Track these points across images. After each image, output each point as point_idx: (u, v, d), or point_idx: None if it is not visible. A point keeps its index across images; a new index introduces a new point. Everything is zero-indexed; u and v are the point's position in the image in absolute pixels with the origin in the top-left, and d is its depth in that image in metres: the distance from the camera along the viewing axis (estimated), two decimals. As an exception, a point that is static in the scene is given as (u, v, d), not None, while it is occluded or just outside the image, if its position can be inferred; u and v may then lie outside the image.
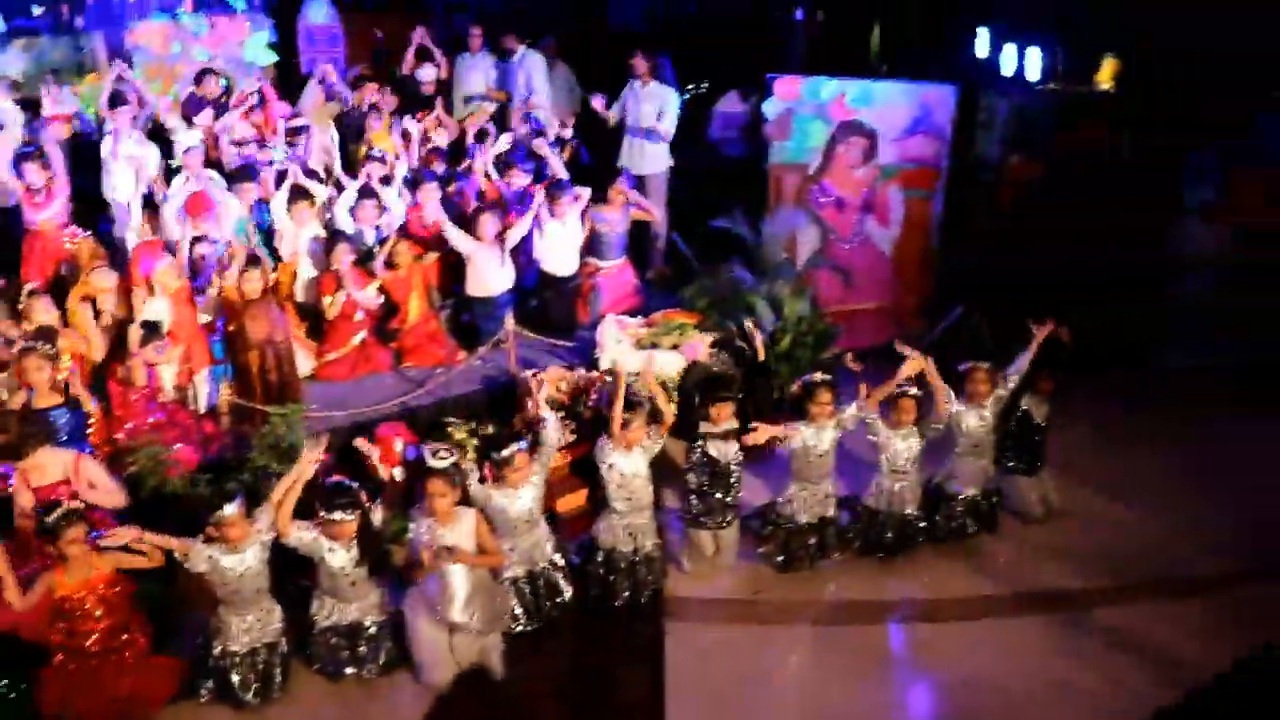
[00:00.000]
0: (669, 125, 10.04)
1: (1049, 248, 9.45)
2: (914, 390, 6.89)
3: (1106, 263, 9.35)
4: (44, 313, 7.01)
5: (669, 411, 6.51)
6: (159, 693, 5.69)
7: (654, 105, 10.00)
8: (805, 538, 6.99)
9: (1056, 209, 9.55)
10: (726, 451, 6.74)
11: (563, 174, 8.96)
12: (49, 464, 5.95)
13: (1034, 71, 8.99)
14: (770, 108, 9.43)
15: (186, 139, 8.86)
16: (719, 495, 6.81)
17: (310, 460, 5.66)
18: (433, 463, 5.83)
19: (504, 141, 9.45)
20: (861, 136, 9.44)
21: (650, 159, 10.17)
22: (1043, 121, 9.59)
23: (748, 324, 7.53)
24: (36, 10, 9.56)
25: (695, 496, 6.88)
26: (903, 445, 6.94)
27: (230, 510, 5.48)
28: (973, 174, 10.20)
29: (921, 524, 7.15)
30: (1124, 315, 9.23)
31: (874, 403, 6.85)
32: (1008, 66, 9.25)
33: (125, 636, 5.62)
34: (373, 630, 5.94)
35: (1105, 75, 9.30)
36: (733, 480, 6.81)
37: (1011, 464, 7.59)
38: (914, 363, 6.82)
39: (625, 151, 10.26)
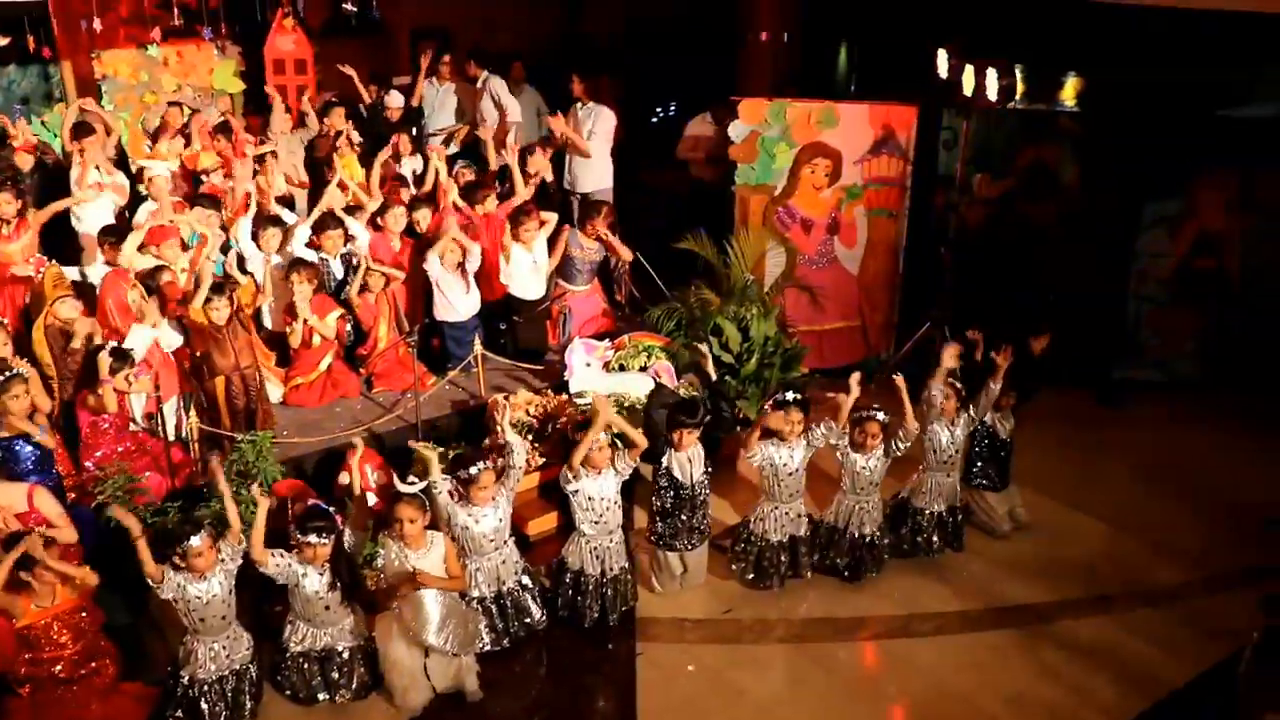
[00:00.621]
0: (599, 144, 10.21)
1: (1013, 264, 9.57)
2: (880, 414, 6.96)
3: (1070, 277, 9.48)
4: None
5: (639, 437, 6.55)
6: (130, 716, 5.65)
7: (589, 125, 10.18)
8: (776, 555, 7.03)
9: (1020, 226, 9.67)
10: (692, 474, 6.78)
11: (523, 197, 9.01)
12: (7, 498, 5.92)
13: (992, 91, 9.10)
14: (735, 130, 9.51)
15: (156, 168, 8.83)
16: (685, 518, 6.85)
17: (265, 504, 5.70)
18: (402, 488, 5.87)
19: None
20: (826, 157, 9.53)
21: (590, 177, 10.29)
22: (1005, 140, 9.71)
23: (699, 346, 7.56)
24: (2, 41, 9.51)
25: (661, 519, 6.92)
26: (865, 466, 6.98)
27: (197, 541, 5.46)
28: (937, 193, 10.31)
29: (885, 541, 7.20)
30: (1088, 329, 9.37)
31: (842, 422, 6.92)
32: (968, 86, 9.35)
33: (93, 664, 5.60)
34: (346, 655, 5.94)
35: (1068, 93, 9.43)
36: (699, 503, 6.85)
37: (978, 480, 7.66)
38: (855, 393, 6.90)
39: (567, 171, 10.43)
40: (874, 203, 9.77)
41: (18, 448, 6.22)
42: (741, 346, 8.31)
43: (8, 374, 6.34)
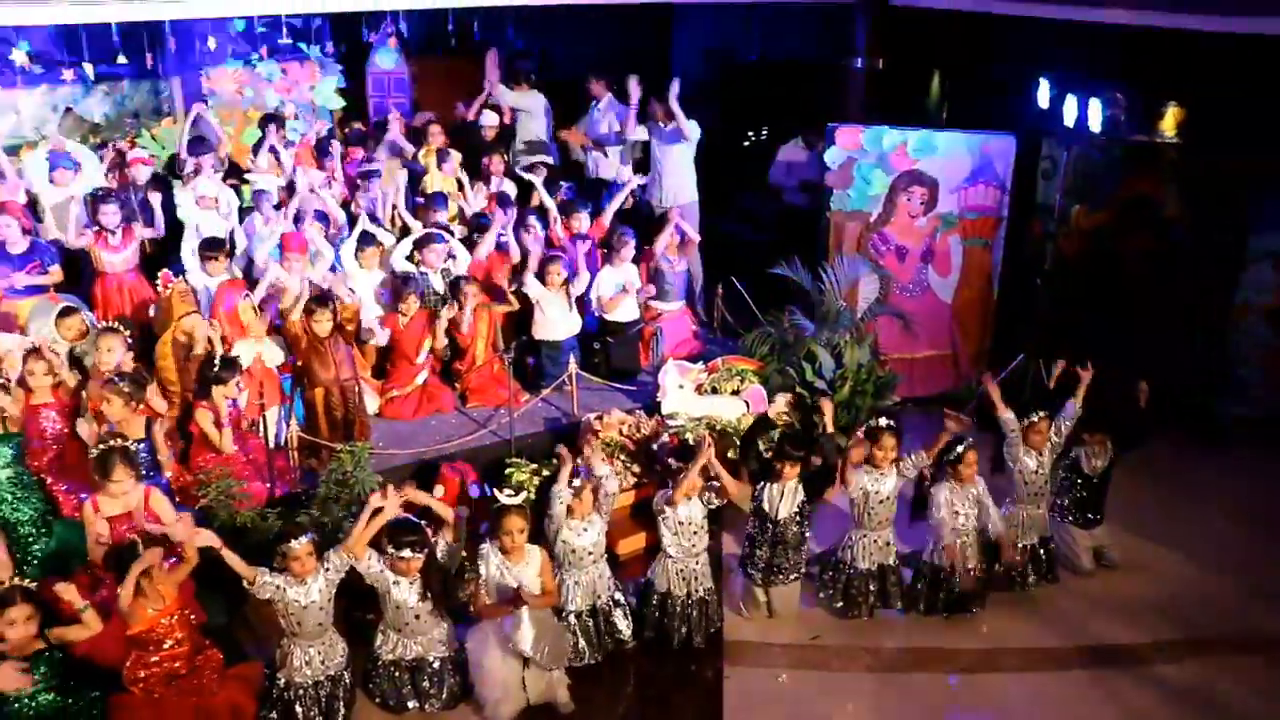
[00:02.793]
0: (684, 157, 10.29)
1: (1111, 297, 9.41)
2: (971, 445, 6.90)
3: (1169, 312, 9.30)
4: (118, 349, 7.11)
5: (731, 486, 6.60)
6: (249, 701, 5.82)
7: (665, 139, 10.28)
8: (865, 584, 7.00)
9: (1119, 259, 9.50)
10: (780, 510, 6.78)
11: (607, 219, 9.12)
12: (124, 494, 6.11)
13: (1095, 122, 8.98)
14: (832, 156, 9.52)
15: (262, 182, 9.06)
16: (767, 553, 6.87)
17: (392, 504, 5.79)
18: (506, 500, 5.96)
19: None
20: (922, 186, 9.49)
21: (674, 191, 10.33)
22: (1105, 171, 9.55)
23: (824, 402, 7.52)
24: (122, 59, 9.85)
25: (752, 550, 6.94)
26: (962, 502, 6.91)
27: (300, 543, 5.61)
28: (1034, 223, 10.19)
29: (981, 576, 7.12)
30: (1187, 365, 9.18)
31: (933, 454, 6.88)
32: (1069, 116, 9.25)
33: (200, 657, 5.79)
34: (437, 665, 6.04)
35: (1169, 124, 9.27)
36: (787, 542, 6.85)
37: (1064, 514, 7.56)
38: (954, 425, 6.91)
39: (652, 185, 10.50)
40: (970, 231, 9.69)
41: (136, 450, 6.37)
42: (835, 373, 8.28)
43: (108, 378, 6.63)
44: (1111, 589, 7.39)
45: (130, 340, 7.18)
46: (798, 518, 6.81)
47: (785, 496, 6.75)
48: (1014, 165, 9.55)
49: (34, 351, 6.89)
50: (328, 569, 5.70)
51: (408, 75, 12.58)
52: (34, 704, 5.51)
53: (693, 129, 9.95)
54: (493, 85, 11.17)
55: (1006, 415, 7.18)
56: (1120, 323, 9.10)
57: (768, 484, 6.79)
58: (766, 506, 6.78)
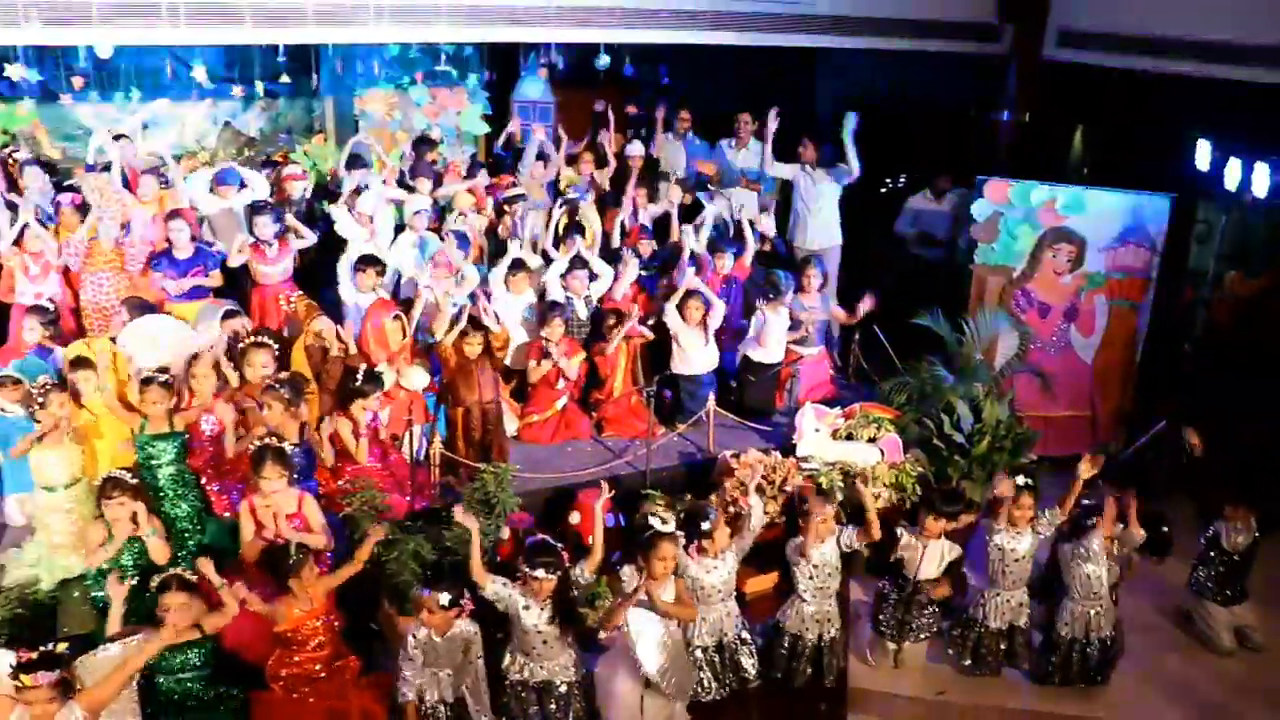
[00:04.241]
0: (829, 202, 10.36)
1: (1265, 366, 9.12)
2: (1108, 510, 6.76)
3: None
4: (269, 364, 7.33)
5: (877, 530, 6.55)
6: (381, 710, 5.93)
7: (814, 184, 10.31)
8: (995, 642, 6.90)
9: (1276, 326, 9.21)
10: (920, 568, 6.71)
11: (751, 244, 9.19)
12: (280, 498, 6.31)
13: (1261, 187, 8.73)
14: (979, 209, 9.45)
15: (416, 202, 9.31)
16: (899, 611, 6.81)
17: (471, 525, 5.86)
18: (662, 527, 6.01)
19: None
20: (1070, 243, 9.35)
21: (816, 235, 10.35)
22: (1265, 238, 9.28)
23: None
24: (285, 79, 10.27)
25: (880, 602, 6.88)
26: (1094, 569, 6.74)
27: (434, 596, 5.62)
28: (1185, 287, 9.94)
29: (1113, 645, 6.95)
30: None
31: (1066, 510, 6.76)
32: (1231, 180, 9.01)
33: (340, 662, 5.95)
34: (563, 689, 6.02)
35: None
36: (921, 603, 6.80)
37: (1203, 589, 7.34)
38: (1085, 473, 6.75)
39: (794, 228, 10.52)
40: (1116, 292, 9.50)
41: (290, 453, 6.56)
42: (973, 427, 8.18)
43: (267, 384, 6.88)
44: (1253, 672, 7.13)
45: (278, 352, 7.43)
46: (936, 570, 6.73)
47: (928, 558, 6.68)
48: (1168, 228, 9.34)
49: (198, 355, 7.17)
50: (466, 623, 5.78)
51: (553, 105, 12.82)
52: (180, 688, 5.72)
53: (853, 168, 10.01)
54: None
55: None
56: (1273, 392, 8.80)
57: (909, 538, 6.72)
58: (906, 564, 6.71)
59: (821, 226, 10.24)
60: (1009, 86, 11.95)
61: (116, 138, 9.67)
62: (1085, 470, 6.78)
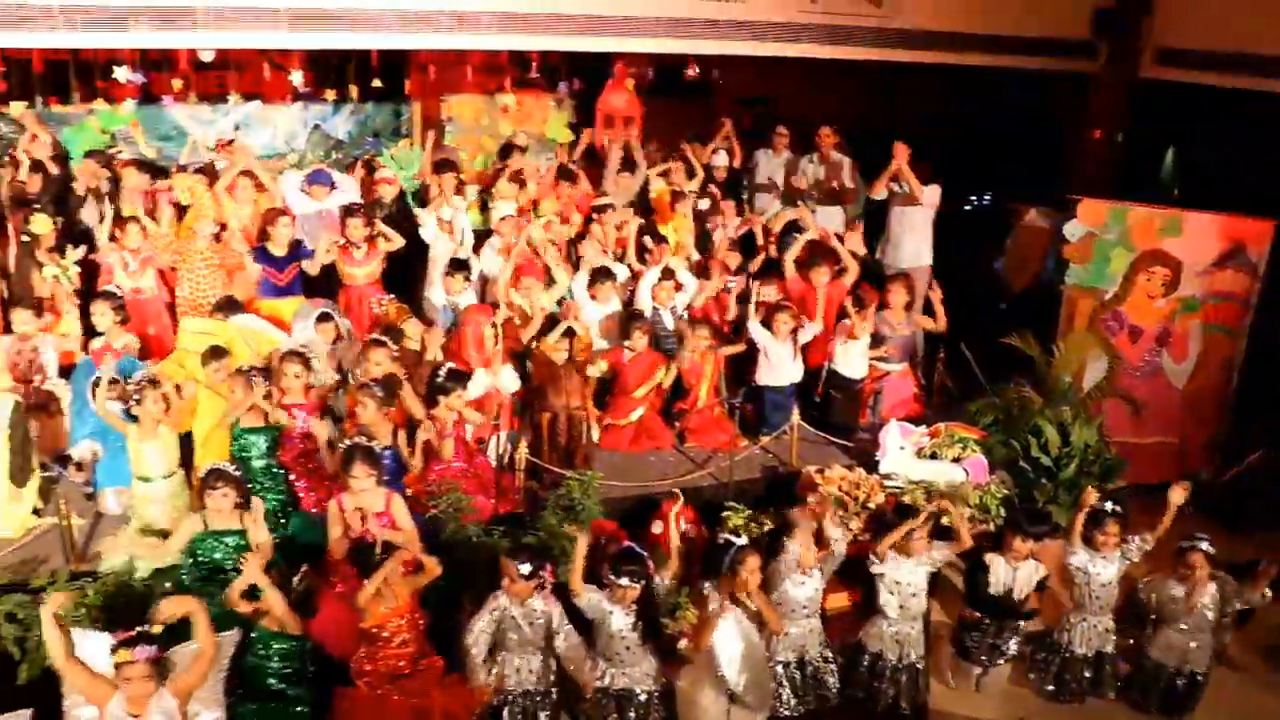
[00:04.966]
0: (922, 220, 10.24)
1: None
2: (1205, 544, 6.60)
3: None
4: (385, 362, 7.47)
5: (967, 537, 6.48)
6: (465, 708, 5.96)
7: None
8: (1080, 669, 6.82)
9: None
10: (1008, 586, 6.61)
11: (854, 270, 9.09)
12: (368, 497, 6.38)
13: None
14: (1072, 229, 9.31)
15: (503, 208, 9.38)
16: (988, 635, 6.71)
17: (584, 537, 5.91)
18: (738, 541, 6.06)
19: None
20: (1166, 267, 9.18)
21: (906, 253, 10.26)
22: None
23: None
24: (376, 83, 10.42)
25: (968, 627, 6.80)
26: (1181, 595, 6.62)
27: (518, 566, 5.73)
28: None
29: (1205, 680, 6.79)
30: None
31: (1158, 536, 6.63)
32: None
33: (423, 661, 5.99)
34: (644, 698, 6.06)
35: None
36: (1010, 623, 6.71)
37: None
38: (1177, 501, 6.70)
39: (885, 244, 10.42)
40: (1212, 317, 9.31)
41: (380, 453, 6.64)
42: (1060, 451, 8.05)
43: (361, 383, 6.97)
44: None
45: (395, 352, 7.53)
46: (1025, 600, 6.64)
47: (1019, 579, 6.59)
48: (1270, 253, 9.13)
49: (290, 353, 7.30)
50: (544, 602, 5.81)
51: (637, 114, 12.85)
52: (263, 678, 5.80)
53: (932, 194, 9.95)
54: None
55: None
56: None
57: (996, 558, 6.64)
58: (993, 584, 6.62)
59: (912, 246, 10.16)
60: (1102, 105, 11.77)
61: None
62: (1176, 498, 6.71)
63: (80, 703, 5.27)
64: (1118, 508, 6.75)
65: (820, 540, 6.43)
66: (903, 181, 9.96)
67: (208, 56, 9.57)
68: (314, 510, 7.12)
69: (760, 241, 9.94)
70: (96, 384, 7.09)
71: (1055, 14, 11.33)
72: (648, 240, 9.27)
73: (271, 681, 5.85)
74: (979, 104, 12.85)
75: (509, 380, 7.89)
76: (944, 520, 7.11)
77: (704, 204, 10.11)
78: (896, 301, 8.84)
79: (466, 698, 5.99)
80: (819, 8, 10.33)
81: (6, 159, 9.81)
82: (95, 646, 5.27)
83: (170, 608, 5.29)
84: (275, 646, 5.80)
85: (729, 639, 5.90)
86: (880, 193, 10.12)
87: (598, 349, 8.62)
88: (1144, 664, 6.81)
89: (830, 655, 6.58)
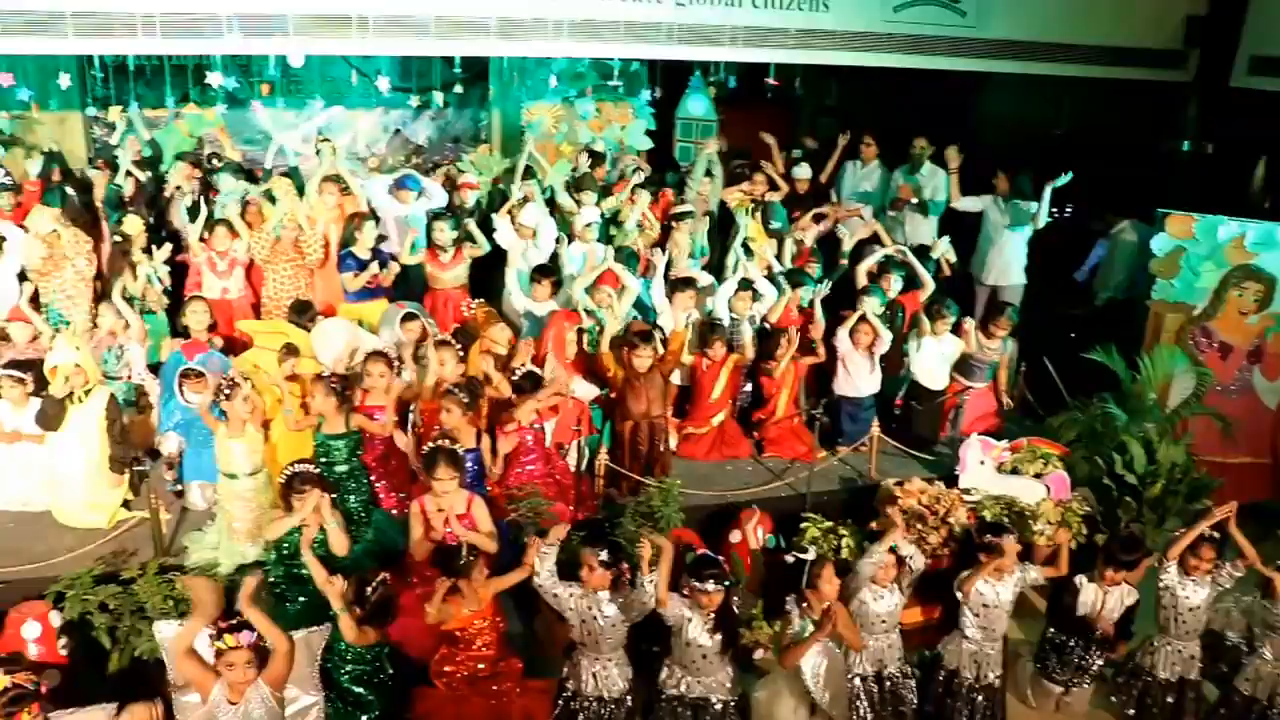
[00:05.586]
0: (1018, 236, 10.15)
1: None
2: None
3: None
4: (451, 363, 7.56)
5: (1065, 565, 6.39)
6: (542, 712, 6.01)
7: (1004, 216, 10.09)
8: (1163, 695, 6.64)
9: None
10: (1110, 614, 6.49)
11: (930, 286, 9.01)
12: (450, 499, 6.45)
13: None
14: (1159, 243, 9.12)
15: (586, 214, 9.45)
16: (1074, 655, 6.59)
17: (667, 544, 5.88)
18: (805, 555, 6.03)
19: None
20: (1258, 282, 8.97)
21: (1000, 268, 10.11)
22: None
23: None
24: (457, 88, 10.53)
25: (1050, 644, 6.68)
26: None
27: (593, 551, 5.74)
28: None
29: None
30: None
31: (1248, 563, 6.46)
32: None
33: (503, 664, 6.04)
34: (719, 707, 6.01)
35: None
36: (1097, 645, 6.58)
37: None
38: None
39: (979, 257, 10.28)
40: (1311, 334, 9.07)
41: (463, 456, 6.71)
42: (1146, 469, 7.89)
43: (446, 388, 7.03)
44: None
45: (462, 353, 7.61)
46: (1112, 623, 6.53)
47: (1108, 603, 6.47)
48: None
49: (374, 355, 7.40)
50: (644, 601, 5.79)
51: (716, 122, 12.86)
52: (342, 675, 5.87)
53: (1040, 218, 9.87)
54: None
55: None
56: None
57: (1087, 582, 6.53)
58: (1085, 605, 6.50)
59: (1006, 262, 10.04)
60: (1192, 115, 11.54)
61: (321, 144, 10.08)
62: (1218, 516, 6.50)
63: (188, 689, 5.38)
64: (1215, 532, 6.57)
65: (899, 558, 6.37)
66: (996, 195, 9.84)
67: (298, 62, 9.73)
68: (393, 511, 7.22)
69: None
70: (185, 376, 7.26)
71: (1145, 23, 11.13)
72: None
73: (345, 682, 5.91)
74: (1066, 115, 12.65)
75: (587, 389, 7.91)
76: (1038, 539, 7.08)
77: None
78: (996, 332, 8.74)
79: (545, 700, 6.04)
80: (903, 17, 10.23)
81: (102, 162, 10.11)
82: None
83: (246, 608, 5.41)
84: (351, 649, 5.87)
85: (813, 653, 5.86)
86: (967, 203, 10.00)
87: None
88: (1231, 697, 6.62)
89: (909, 671, 6.51)
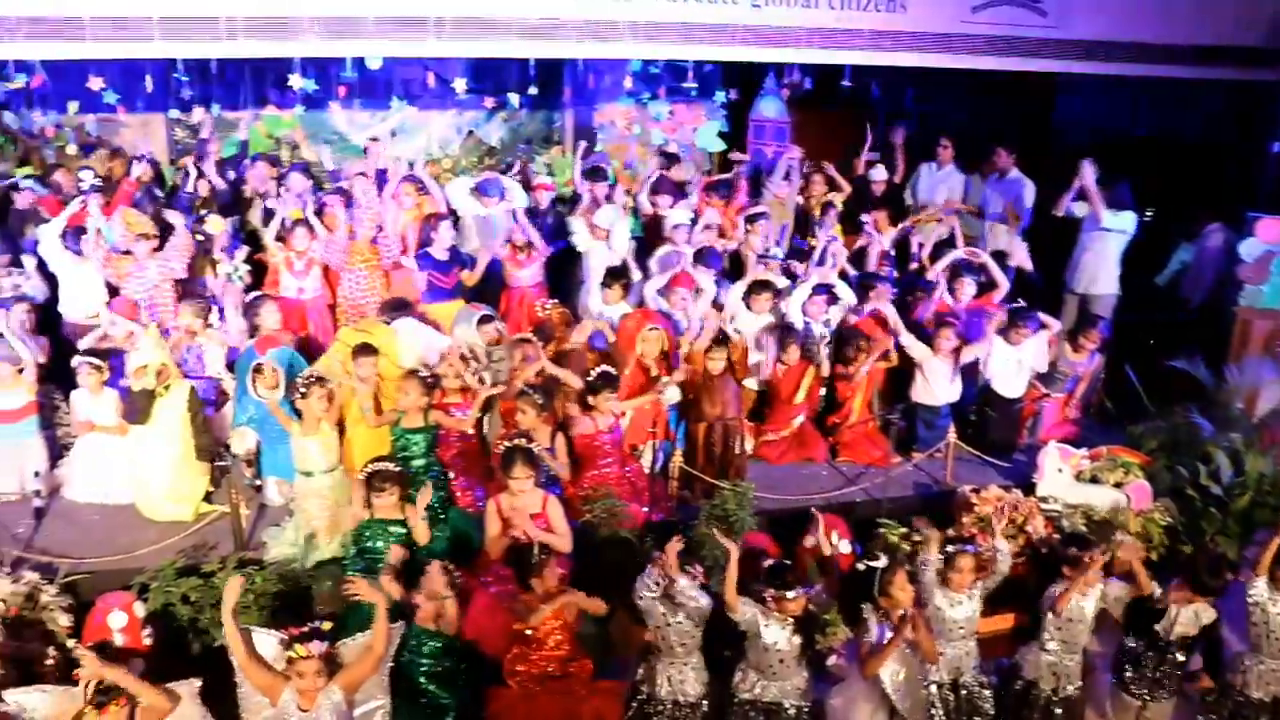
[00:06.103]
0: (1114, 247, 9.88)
1: None
2: None
3: None
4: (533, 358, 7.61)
5: (1146, 583, 6.26)
6: (613, 714, 6.00)
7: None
8: (1255, 714, 6.44)
9: None
10: (1183, 629, 6.34)
11: (1005, 286, 8.87)
12: (527, 499, 6.48)
13: None
14: (1247, 248, 8.90)
15: (676, 216, 9.45)
16: (1149, 669, 6.43)
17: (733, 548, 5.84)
18: (873, 564, 6.05)
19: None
20: (1352, 289, 8.72)
21: (1092, 278, 9.92)
22: None
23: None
24: (532, 90, 10.58)
25: (1126, 657, 6.53)
26: None
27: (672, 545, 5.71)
28: None
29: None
30: None
31: None
32: None
33: (574, 664, 6.03)
34: (792, 712, 5.96)
35: None
36: (1173, 658, 6.40)
37: None
38: None
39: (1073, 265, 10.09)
40: None
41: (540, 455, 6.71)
42: (1232, 480, 7.70)
43: (521, 389, 7.05)
44: None
45: (541, 350, 7.65)
46: (1189, 639, 6.36)
47: (1179, 619, 6.32)
48: None
49: (449, 353, 7.46)
50: (701, 605, 5.77)
51: (789, 124, 12.77)
52: (416, 673, 5.90)
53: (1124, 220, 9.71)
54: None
55: None
56: None
57: (1166, 599, 6.38)
58: (1161, 624, 6.35)
59: (1100, 271, 9.86)
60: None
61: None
62: None
63: (254, 693, 5.45)
64: None
65: (981, 562, 6.26)
66: (1088, 202, 9.67)
67: (375, 64, 9.85)
68: (469, 508, 7.27)
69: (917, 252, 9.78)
70: (258, 370, 7.37)
71: (1232, 21, 10.85)
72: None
73: (421, 679, 5.94)
74: (1150, 116, 12.41)
75: (670, 392, 7.92)
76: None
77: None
78: (1085, 345, 8.60)
79: (616, 702, 6.04)
80: (982, 18, 10.08)
81: (184, 163, 10.31)
82: (261, 642, 5.46)
83: (363, 590, 5.47)
84: (427, 644, 5.89)
85: (892, 660, 5.81)
86: (1066, 210, 9.83)
87: (753, 360, 8.59)
88: None
89: (986, 680, 6.40)
